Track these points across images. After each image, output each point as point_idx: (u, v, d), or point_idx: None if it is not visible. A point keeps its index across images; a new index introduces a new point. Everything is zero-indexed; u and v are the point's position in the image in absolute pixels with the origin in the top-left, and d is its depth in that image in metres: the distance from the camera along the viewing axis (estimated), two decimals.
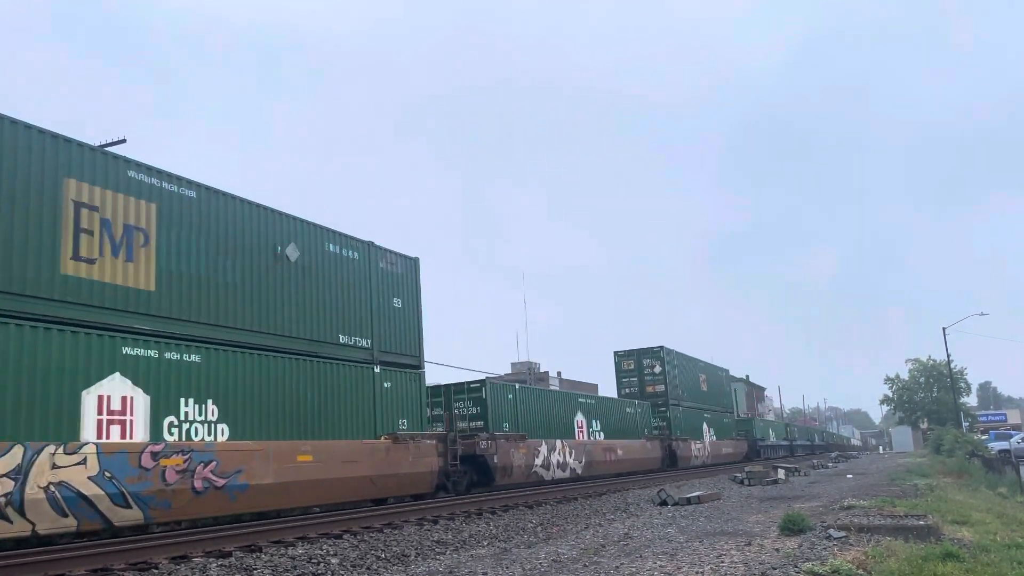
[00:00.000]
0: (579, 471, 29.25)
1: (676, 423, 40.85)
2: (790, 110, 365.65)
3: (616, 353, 42.90)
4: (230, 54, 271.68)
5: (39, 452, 11.38)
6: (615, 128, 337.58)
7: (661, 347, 41.50)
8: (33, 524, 11.25)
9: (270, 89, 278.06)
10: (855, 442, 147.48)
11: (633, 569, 9.52)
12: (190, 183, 14.88)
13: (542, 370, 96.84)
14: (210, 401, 14.34)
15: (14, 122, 12.13)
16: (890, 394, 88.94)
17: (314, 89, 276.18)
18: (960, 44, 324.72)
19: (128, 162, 13.87)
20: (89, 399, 12.35)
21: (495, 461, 23.77)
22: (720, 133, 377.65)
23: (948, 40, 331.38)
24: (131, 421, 12.93)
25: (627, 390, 41.56)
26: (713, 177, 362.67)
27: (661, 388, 40.74)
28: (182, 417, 13.80)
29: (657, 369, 41.08)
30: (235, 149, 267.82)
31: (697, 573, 9.08)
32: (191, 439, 13.84)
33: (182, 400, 13.83)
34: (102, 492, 12.12)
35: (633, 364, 41.67)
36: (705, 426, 45.49)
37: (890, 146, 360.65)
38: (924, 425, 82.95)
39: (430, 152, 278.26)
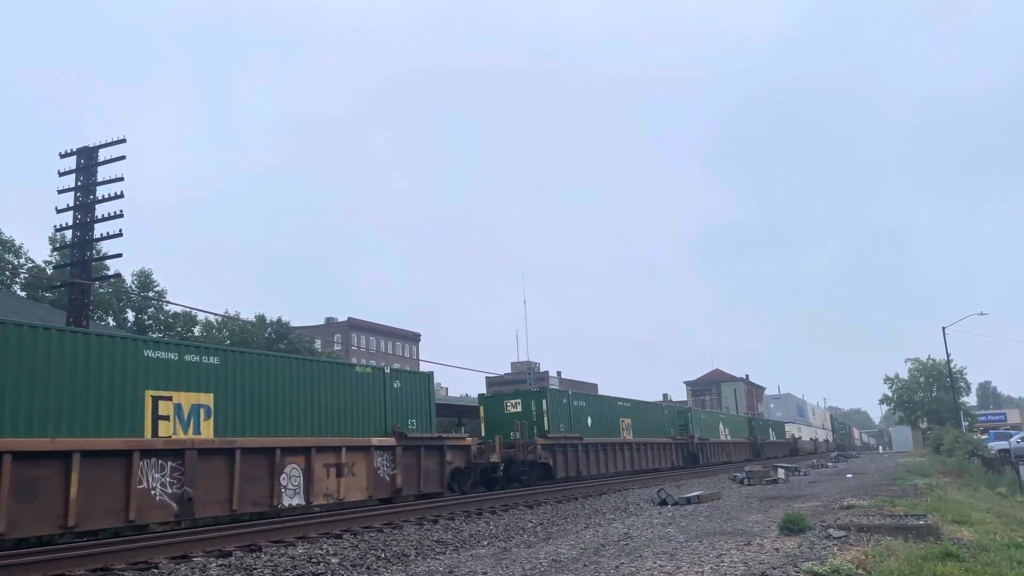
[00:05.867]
0: None
1: None
2: (789, 93, 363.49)
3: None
4: (195, 24, 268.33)
5: None
6: (607, 116, 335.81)
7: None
8: None
9: (241, 66, 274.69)
10: (795, 433, 71.12)
11: (633, 569, 9.52)
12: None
13: (542, 370, 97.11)
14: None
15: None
16: (890, 394, 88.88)
17: (291, 67, 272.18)
18: (973, 18, 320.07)
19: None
20: None
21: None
22: (715, 120, 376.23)
23: (962, 14, 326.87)
24: None
25: None
26: (711, 167, 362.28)
27: None
28: None
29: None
30: (203, 130, 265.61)
31: (697, 573, 9.08)
32: None
33: None
34: None
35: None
36: None
37: (893, 135, 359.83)
38: (924, 425, 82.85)
39: (421, 143, 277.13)
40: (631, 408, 35.79)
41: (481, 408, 30.02)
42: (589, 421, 30.87)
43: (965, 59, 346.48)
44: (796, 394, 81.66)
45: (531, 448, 26.38)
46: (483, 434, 27.92)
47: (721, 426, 49.59)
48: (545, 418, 27.69)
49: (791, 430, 71.13)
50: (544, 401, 28.19)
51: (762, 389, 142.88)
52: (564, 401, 29.63)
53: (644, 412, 37.48)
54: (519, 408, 28.20)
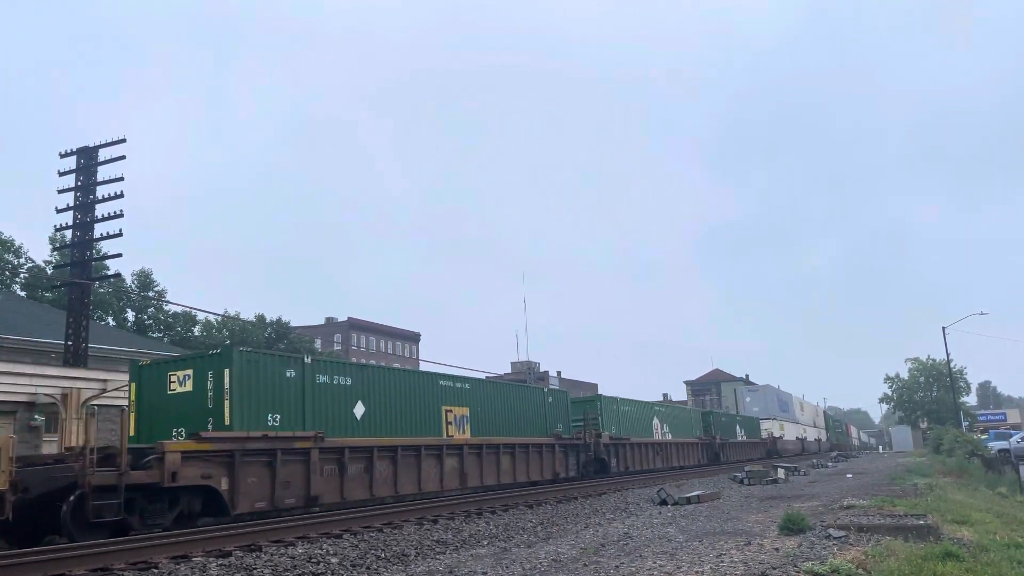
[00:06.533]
0: None
1: None
2: (789, 92, 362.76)
3: None
4: (194, 24, 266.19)
5: None
6: (607, 116, 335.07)
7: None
8: None
9: (240, 65, 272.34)
10: (775, 431, 60.81)
11: (633, 568, 9.53)
12: None
13: (542, 369, 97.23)
14: None
15: None
16: (890, 393, 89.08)
17: (290, 67, 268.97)
18: (973, 18, 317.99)
19: None
20: None
21: None
22: (715, 120, 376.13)
23: (962, 14, 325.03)
24: None
25: None
26: (711, 167, 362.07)
27: None
28: None
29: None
30: (202, 129, 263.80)
31: (697, 572, 9.09)
32: None
33: None
34: None
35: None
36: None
37: (893, 135, 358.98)
38: (924, 424, 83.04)
39: (421, 143, 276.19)
40: (469, 392, 23.36)
41: (131, 387, 17.12)
42: (360, 410, 18.52)
43: (965, 58, 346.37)
44: (789, 390, 78.97)
45: (151, 460, 13.49)
46: (132, 430, 15.97)
47: (656, 422, 38.28)
48: (226, 403, 15.32)
49: (769, 427, 59.62)
50: (227, 372, 15.45)
51: None
52: (290, 374, 16.70)
53: (499, 399, 25.01)
54: (189, 385, 16.11)
